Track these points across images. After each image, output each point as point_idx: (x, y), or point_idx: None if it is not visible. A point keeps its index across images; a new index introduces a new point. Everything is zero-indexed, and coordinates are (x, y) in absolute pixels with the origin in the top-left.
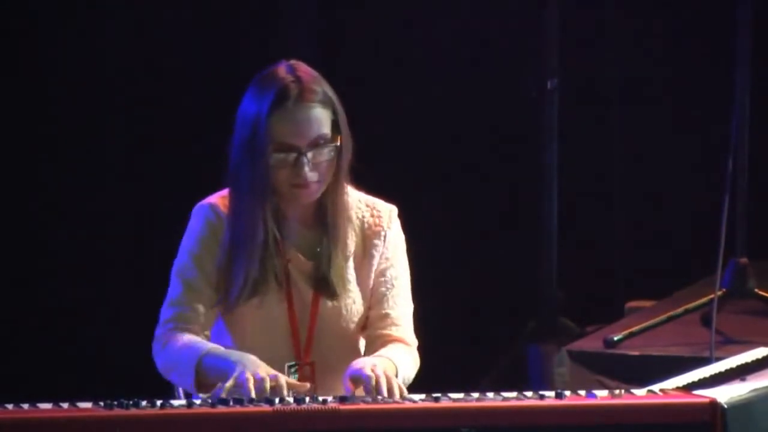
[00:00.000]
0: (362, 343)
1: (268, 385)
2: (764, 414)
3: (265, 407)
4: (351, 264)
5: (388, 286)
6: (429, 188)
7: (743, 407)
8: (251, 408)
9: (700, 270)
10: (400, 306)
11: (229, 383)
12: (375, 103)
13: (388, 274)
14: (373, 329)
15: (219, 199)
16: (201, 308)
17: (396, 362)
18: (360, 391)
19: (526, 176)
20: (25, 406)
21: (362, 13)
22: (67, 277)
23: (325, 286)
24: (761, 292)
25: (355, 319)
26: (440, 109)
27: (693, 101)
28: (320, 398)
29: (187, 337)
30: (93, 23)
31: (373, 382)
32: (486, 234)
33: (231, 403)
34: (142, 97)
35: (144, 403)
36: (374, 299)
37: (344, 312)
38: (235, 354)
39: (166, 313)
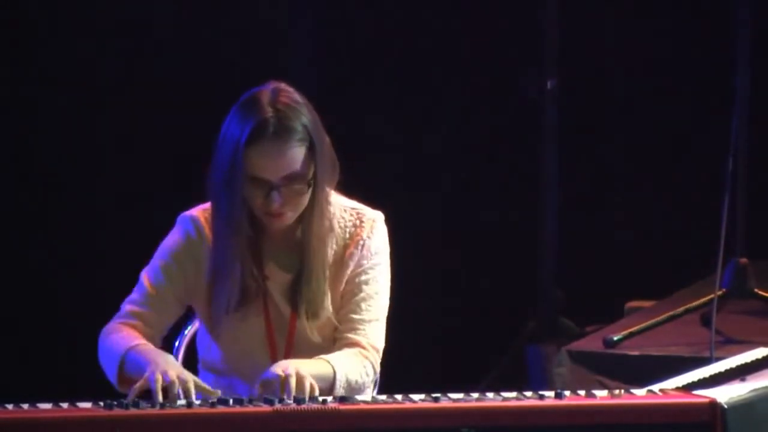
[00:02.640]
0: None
1: (175, 388)
2: (764, 414)
3: (265, 407)
4: (327, 277)
5: (356, 291)
6: (428, 188)
7: (743, 407)
8: (251, 408)
9: (700, 270)
10: (365, 311)
11: (138, 384)
12: (375, 104)
13: (357, 279)
14: (337, 332)
15: (201, 212)
16: (155, 313)
17: (333, 363)
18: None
19: (526, 176)
20: (25, 406)
21: (362, 13)
22: (67, 277)
23: (302, 304)
24: (761, 292)
25: (329, 336)
26: (440, 109)
27: (693, 101)
28: (320, 398)
29: (126, 331)
30: (91, 28)
31: (281, 381)
32: (486, 234)
33: (231, 403)
34: (141, 97)
35: (144, 403)
36: (341, 303)
37: (320, 327)
38: (153, 353)
39: (121, 308)
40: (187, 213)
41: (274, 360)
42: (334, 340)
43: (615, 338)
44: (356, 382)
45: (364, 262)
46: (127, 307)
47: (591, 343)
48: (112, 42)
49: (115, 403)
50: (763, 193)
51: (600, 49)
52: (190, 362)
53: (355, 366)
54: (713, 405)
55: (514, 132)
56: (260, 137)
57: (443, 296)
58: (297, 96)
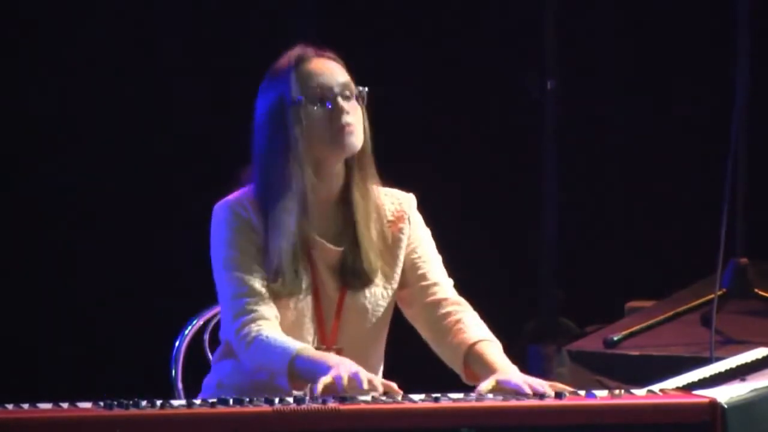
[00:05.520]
0: (386, 330)
1: (363, 376)
2: (764, 414)
3: (265, 407)
4: (378, 251)
5: (424, 259)
6: (428, 188)
7: (743, 407)
8: (251, 408)
9: (700, 270)
10: (442, 274)
11: (327, 379)
12: (374, 104)
13: (418, 250)
14: (422, 299)
15: (235, 198)
16: (263, 291)
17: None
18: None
19: (526, 176)
20: (25, 406)
21: (362, 13)
22: (67, 277)
23: (354, 277)
24: (761, 292)
25: (381, 309)
26: (440, 109)
27: (693, 101)
28: (320, 398)
29: (272, 336)
30: (92, 22)
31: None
32: (485, 234)
33: (231, 403)
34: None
35: (144, 403)
36: (413, 275)
37: (371, 303)
38: (333, 358)
39: (234, 307)
40: (222, 202)
41: (322, 336)
42: (414, 308)
43: (615, 338)
44: None
45: (417, 236)
46: (239, 304)
47: (591, 343)
48: (110, 39)
49: (115, 403)
50: (763, 193)
51: (600, 49)
52: (192, 362)
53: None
54: (713, 405)
55: (514, 132)
56: (303, 61)
57: None
58: None
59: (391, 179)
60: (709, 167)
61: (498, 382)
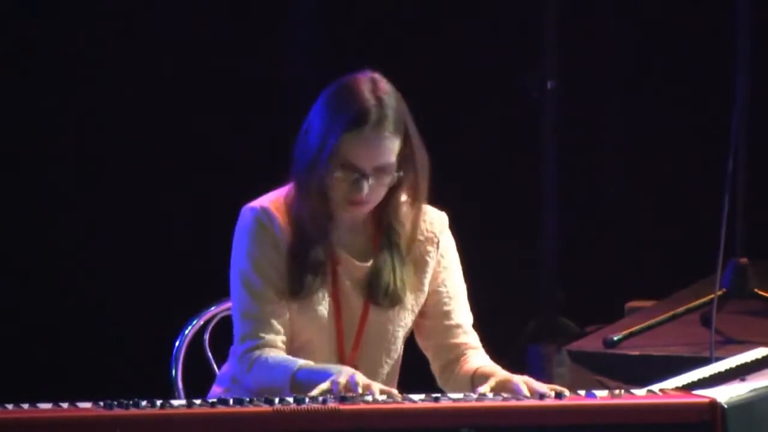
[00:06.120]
0: (401, 347)
1: (360, 379)
2: (764, 414)
3: (265, 407)
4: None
5: (451, 295)
6: (427, 188)
7: (743, 407)
8: (251, 408)
9: (700, 270)
10: (465, 314)
11: (324, 385)
12: None
13: (447, 283)
14: (442, 338)
15: (264, 202)
16: (273, 315)
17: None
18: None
19: (526, 176)
20: (25, 406)
21: (362, 13)
22: (67, 277)
23: (380, 293)
24: (761, 292)
25: (402, 326)
26: (440, 109)
27: (693, 101)
28: (320, 398)
29: (272, 357)
30: (92, 23)
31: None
32: (485, 234)
33: (231, 403)
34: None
35: (144, 403)
36: (437, 309)
37: (394, 320)
38: (334, 367)
39: (242, 327)
40: (253, 204)
41: (341, 353)
42: (432, 341)
43: (615, 338)
44: None
45: (446, 262)
46: (247, 325)
47: (591, 343)
48: (110, 40)
49: (115, 403)
50: (763, 193)
51: (600, 49)
52: (193, 361)
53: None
54: (713, 405)
55: (514, 132)
56: (361, 125)
57: None
58: (393, 88)
59: None
60: (709, 167)
61: (498, 383)
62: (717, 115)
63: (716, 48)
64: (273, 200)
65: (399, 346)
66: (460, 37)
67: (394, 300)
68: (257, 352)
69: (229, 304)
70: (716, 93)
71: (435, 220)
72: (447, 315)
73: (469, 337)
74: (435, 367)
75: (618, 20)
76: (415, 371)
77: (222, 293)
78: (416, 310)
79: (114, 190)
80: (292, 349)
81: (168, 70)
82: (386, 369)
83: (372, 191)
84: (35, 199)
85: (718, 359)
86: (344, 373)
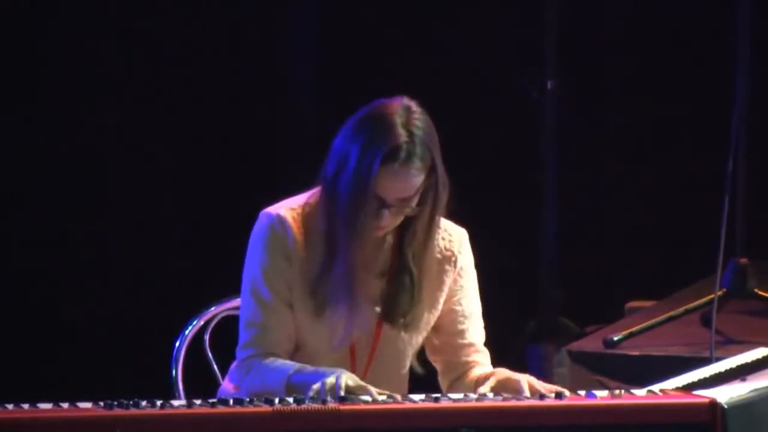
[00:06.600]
0: (409, 363)
1: (344, 382)
2: (764, 414)
3: (265, 407)
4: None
5: (466, 314)
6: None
7: (743, 407)
8: (251, 408)
9: (700, 270)
10: (478, 332)
11: (317, 386)
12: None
13: (463, 302)
14: (453, 356)
15: (288, 210)
16: (278, 325)
17: None
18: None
19: (526, 176)
20: (25, 406)
21: (362, 13)
22: (67, 277)
23: (397, 317)
24: (761, 292)
25: (414, 345)
26: (440, 109)
27: (693, 101)
28: (320, 398)
29: (268, 362)
30: (93, 22)
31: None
32: (485, 234)
33: (231, 403)
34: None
35: (144, 403)
36: (451, 328)
37: (406, 339)
38: (327, 369)
39: (244, 334)
40: (272, 210)
41: (353, 367)
42: (443, 357)
43: (615, 338)
44: None
45: (462, 281)
46: (250, 333)
47: (591, 343)
48: (110, 39)
49: (115, 403)
50: (763, 193)
51: (600, 49)
52: (193, 362)
53: None
54: (713, 405)
55: (514, 132)
56: (391, 163)
57: None
58: (425, 116)
59: None
60: (709, 167)
61: (498, 381)
62: (717, 115)
63: (716, 48)
64: (293, 207)
65: (407, 362)
66: (460, 37)
67: (409, 326)
68: (256, 360)
69: (229, 304)
70: (716, 93)
71: (454, 238)
72: (461, 334)
73: (480, 355)
74: (443, 382)
75: (618, 20)
76: (415, 371)
77: (222, 293)
78: (428, 328)
79: (114, 190)
80: (301, 362)
81: (168, 70)
82: (395, 383)
83: (394, 217)
84: (35, 199)
85: (718, 359)
86: (333, 375)
